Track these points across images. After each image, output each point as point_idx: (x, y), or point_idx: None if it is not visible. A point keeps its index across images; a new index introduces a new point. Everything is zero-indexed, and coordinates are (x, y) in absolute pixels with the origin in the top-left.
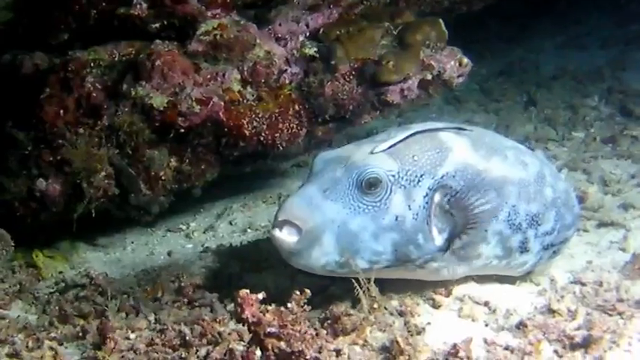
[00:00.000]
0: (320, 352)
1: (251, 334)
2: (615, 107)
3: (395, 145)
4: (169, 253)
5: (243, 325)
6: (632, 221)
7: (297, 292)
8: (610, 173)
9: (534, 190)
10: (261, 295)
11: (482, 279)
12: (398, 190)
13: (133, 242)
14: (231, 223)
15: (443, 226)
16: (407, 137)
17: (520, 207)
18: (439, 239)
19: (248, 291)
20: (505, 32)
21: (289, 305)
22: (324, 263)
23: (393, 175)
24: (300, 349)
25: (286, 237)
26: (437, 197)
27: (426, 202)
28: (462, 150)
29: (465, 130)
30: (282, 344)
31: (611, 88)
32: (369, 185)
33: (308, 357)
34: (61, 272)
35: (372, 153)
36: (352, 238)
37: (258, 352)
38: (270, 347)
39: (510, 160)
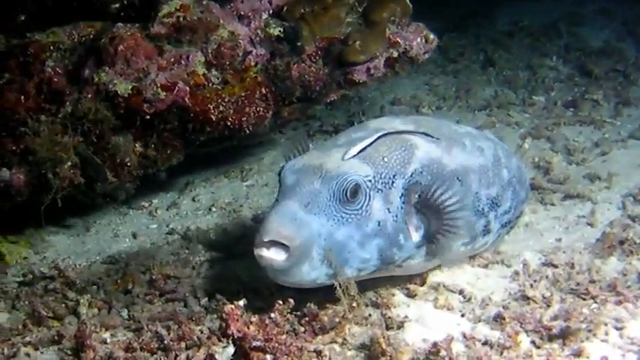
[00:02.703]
0: None
1: (236, 348)
2: (574, 67)
3: (364, 149)
4: (134, 235)
5: (229, 340)
6: (599, 193)
7: (280, 302)
8: (573, 141)
9: (493, 174)
10: (242, 303)
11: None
12: (376, 195)
13: (96, 222)
14: (194, 200)
15: (418, 223)
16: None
17: (482, 193)
18: (416, 236)
19: (232, 306)
20: None
21: (272, 316)
22: (314, 277)
23: (370, 181)
24: None
25: (275, 256)
26: (410, 195)
27: (402, 202)
28: (425, 145)
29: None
30: (268, 357)
31: (569, 46)
32: (351, 194)
33: None
34: (25, 258)
35: (343, 160)
36: (340, 249)
37: None
38: None
39: (469, 148)
